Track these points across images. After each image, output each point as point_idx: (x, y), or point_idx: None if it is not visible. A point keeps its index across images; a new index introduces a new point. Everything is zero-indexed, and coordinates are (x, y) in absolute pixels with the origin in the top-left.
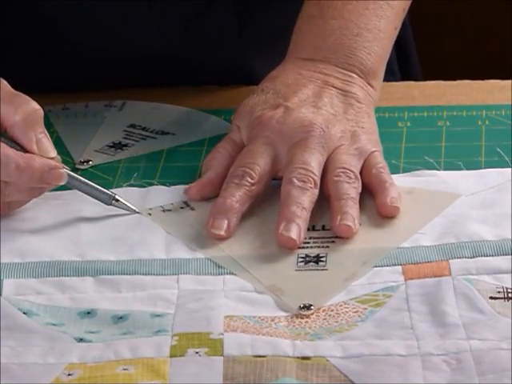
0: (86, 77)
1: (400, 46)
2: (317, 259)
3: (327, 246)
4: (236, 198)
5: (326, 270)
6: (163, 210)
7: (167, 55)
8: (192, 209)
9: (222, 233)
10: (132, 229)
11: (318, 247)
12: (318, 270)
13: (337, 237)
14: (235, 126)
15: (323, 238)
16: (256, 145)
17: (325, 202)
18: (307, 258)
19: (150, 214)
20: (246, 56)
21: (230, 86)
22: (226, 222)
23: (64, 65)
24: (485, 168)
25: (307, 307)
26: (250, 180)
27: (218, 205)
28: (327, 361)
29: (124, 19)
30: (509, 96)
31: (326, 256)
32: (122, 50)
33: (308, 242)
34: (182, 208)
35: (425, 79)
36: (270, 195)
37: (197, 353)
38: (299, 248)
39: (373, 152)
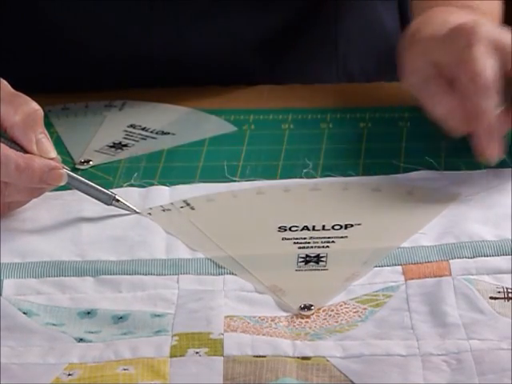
0: (86, 77)
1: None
2: (317, 259)
3: (327, 246)
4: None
5: (326, 269)
6: (163, 210)
7: (168, 55)
8: (192, 208)
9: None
10: (132, 229)
11: (319, 247)
12: (318, 270)
13: (337, 237)
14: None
15: (323, 237)
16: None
17: (326, 202)
18: (307, 258)
19: (149, 214)
20: (246, 56)
21: (229, 86)
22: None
23: (64, 65)
24: (485, 168)
25: (308, 307)
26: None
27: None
28: (327, 361)
29: (125, 20)
30: None
31: (327, 256)
32: (123, 50)
33: (308, 242)
34: (182, 207)
35: None
36: (270, 194)
37: (197, 353)
38: (299, 248)
39: None
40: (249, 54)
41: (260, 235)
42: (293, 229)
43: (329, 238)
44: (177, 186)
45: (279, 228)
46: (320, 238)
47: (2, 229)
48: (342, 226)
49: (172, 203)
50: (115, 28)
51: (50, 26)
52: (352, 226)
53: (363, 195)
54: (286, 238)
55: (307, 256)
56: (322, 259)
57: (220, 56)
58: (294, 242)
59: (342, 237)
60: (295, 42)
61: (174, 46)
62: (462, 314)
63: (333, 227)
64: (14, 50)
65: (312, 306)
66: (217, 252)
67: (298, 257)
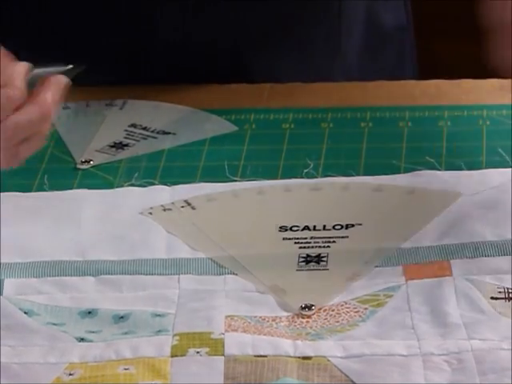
0: (87, 68)
1: (400, 46)
2: (318, 259)
3: (328, 246)
4: None
5: (327, 269)
6: (164, 210)
7: (167, 54)
8: (193, 208)
9: None
10: (133, 228)
11: (319, 247)
12: (319, 269)
13: (338, 237)
14: None
15: (324, 237)
16: None
17: (326, 202)
18: (308, 258)
19: (150, 214)
20: (246, 56)
21: (230, 84)
22: None
23: (65, 56)
24: (486, 168)
25: (308, 307)
26: None
27: None
28: (328, 361)
29: (128, 13)
30: (509, 96)
31: (327, 256)
32: (123, 42)
33: (309, 242)
34: (182, 207)
35: (425, 79)
36: (270, 194)
37: (198, 352)
38: (300, 248)
39: None
40: (248, 53)
41: (261, 235)
42: (294, 229)
43: (330, 237)
44: (177, 186)
45: (280, 228)
46: (321, 237)
47: (3, 228)
48: (342, 226)
49: (173, 203)
50: (115, 21)
51: (50, 16)
52: (353, 225)
53: (364, 195)
54: (286, 238)
55: (308, 256)
56: (323, 259)
57: (221, 53)
58: (295, 242)
59: (342, 237)
60: (300, 39)
61: (173, 46)
62: (462, 313)
63: (334, 227)
64: (13, 48)
65: (313, 305)
66: (218, 252)
67: (299, 257)
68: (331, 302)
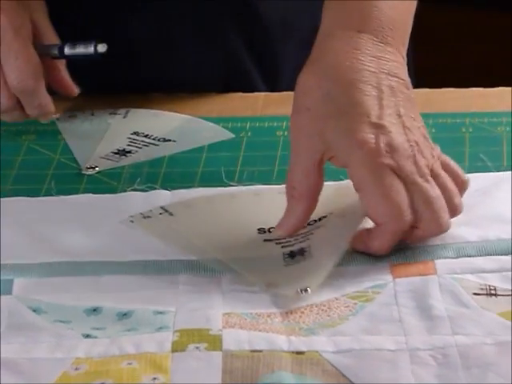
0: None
1: None
2: (301, 252)
3: (308, 239)
4: None
5: (312, 257)
6: (144, 217)
7: (164, 58)
8: (170, 214)
9: None
10: (131, 232)
11: (300, 242)
12: (305, 260)
13: (314, 229)
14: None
15: (302, 234)
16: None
17: None
18: (292, 254)
19: (131, 222)
20: (242, 59)
21: (227, 94)
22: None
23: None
24: (469, 173)
25: (305, 290)
26: None
27: None
28: (320, 355)
29: (124, 16)
30: (491, 104)
31: (310, 247)
32: (123, 45)
33: (289, 241)
34: (160, 214)
35: (415, 87)
36: (242, 198)
37: (197, 348)
38: (283, 247)
39: None
40: (245, 57)
41: (242, 238)
42: (271, 230)
43: (306, 232)
44: (178, 190)
45: (258, 230)
46: (299, 235)
47: (13, 231)
48: (316, 220)
49: (151, 210)
50: (113, 26)
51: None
52: (325, 216)
53: (351, 197)
54: (267, 240)
55: (291, 252)
56: (306, 250)
57: (220, 62)
58: (276, 243)
59: (318, 227)
60: (299, 42)
61: (170, 48)
62: (447, 307)
63: (308, 224)
64: None
65: (308, 287)
66: (204, 255)
67: (283, 254)
68: (322, 299)
